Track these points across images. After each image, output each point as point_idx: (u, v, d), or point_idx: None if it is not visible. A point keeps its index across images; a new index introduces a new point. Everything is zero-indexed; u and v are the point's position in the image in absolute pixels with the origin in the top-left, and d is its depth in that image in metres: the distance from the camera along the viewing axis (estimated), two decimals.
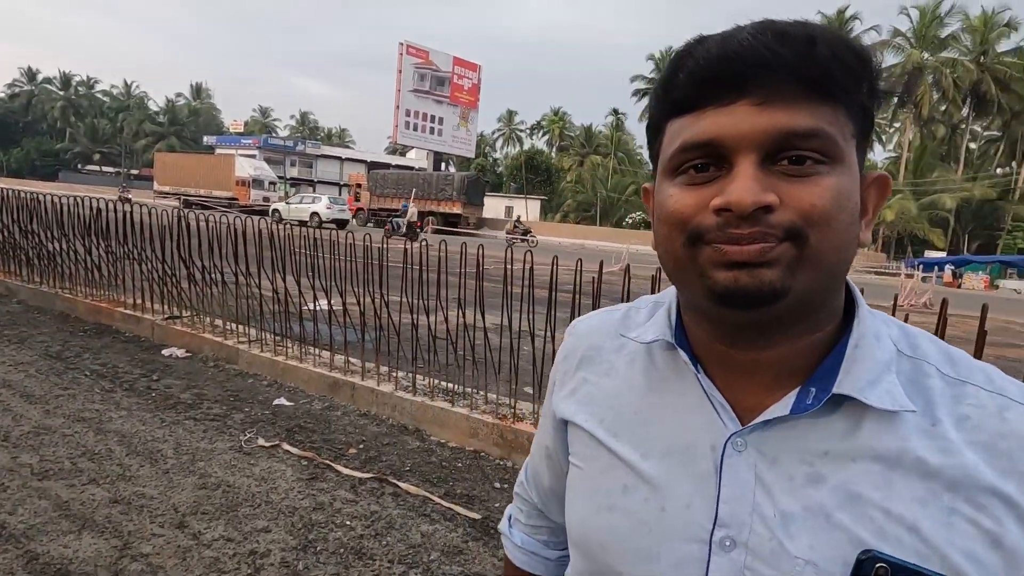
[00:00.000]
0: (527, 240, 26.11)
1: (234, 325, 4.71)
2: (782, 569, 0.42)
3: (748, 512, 0.44)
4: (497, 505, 2.70)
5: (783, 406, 0.44)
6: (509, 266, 3.32)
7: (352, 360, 4.06)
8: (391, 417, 3.61)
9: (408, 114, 39.42)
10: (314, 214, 23.44)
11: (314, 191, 51.39)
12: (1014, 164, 38.32)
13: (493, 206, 40.60)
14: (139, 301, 5.28)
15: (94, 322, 5.36)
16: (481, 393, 3.57)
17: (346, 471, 2.89)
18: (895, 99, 37.07)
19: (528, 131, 66.06)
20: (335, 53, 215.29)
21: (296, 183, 50.52)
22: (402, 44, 39.45)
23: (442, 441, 3.36)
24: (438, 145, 41.97)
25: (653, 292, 2.85)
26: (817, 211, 0.40)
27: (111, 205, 5.49)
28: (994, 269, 28.86)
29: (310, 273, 4.18)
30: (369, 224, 32.41)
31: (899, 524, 0.41)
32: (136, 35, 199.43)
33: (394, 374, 3.88)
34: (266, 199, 35.50)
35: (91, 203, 5.54)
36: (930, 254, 33.25)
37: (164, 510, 2.45)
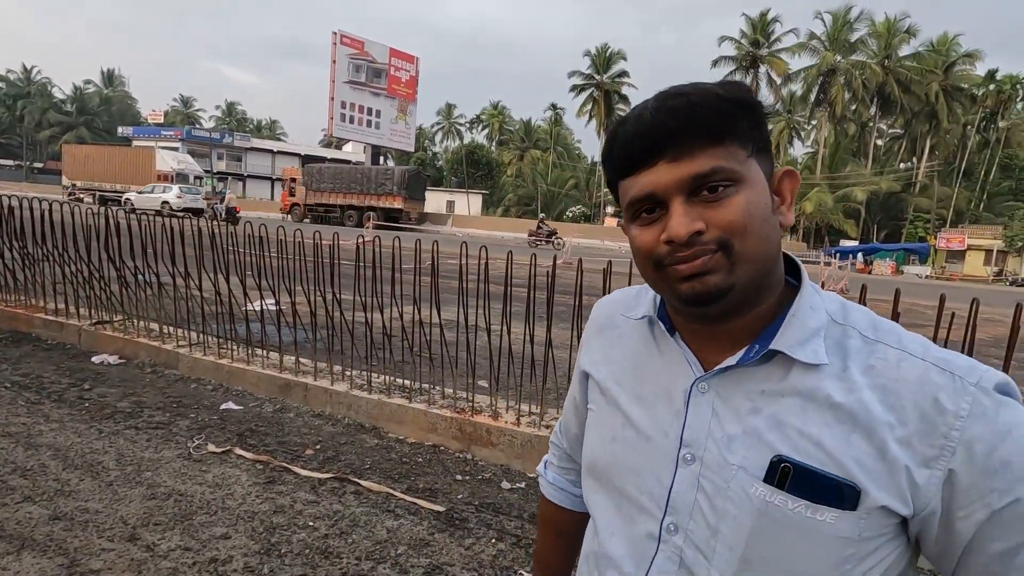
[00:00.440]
0: (553, 243, 23.74)
1: (172, 328, 4.49)
2: (722, 474, 0.58)
3: (705, 436, 0.60)
4: (460, 496, 2.76)
5: (734, 359, 0.60)
6: (463, 261, 3.36)
7: (303, 360, 3.98)
8: (347, 416, 3.58)
9: (344, 106, 38.26)
10: (165, 203, 24.29)
11: (244, 186, 49.01)
12: (915, 160, 41.96)
13: (434, 201, 40.18)
14: (62, 306, 4.93)
15: (9, 329, 4.95)
16: (438, 388, 3.59)
17: (304, 472, 2.85)
18: (812, 98, 39.63)
19: (468, 125, 65.72)
20: (262, 41, 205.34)
21: (224, 177, 47.98)
22: (335, 33, 38.17)
23: (400, 437, 3.37)
24: (376, 138, 41.02)
25: (604, 286, 2.98)
26: (734, 225, 0.55)
27: (25, 203, 5.07)
28: (899, 256, 31.59)
29: (253, 272, 4.04)
30: (305, 220, 31.30)
31: (808, 440, 0.55)
32: (33, 15, 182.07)
33: (348, 373, 3.83)
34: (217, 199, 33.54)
35: (6, 202, 5.10)
36: (844, 243, 35.91)
37: (112, 524, 2.34)
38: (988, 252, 30.99)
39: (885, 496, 0.53)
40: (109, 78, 72.12)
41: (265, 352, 4.15)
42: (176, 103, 73.66)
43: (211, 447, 3.06)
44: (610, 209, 55.26)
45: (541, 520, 0.91)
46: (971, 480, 0.52)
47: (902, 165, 43.42)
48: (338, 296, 3.74)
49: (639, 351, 0.68)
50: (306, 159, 47.67)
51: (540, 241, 24.14)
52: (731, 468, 0.57)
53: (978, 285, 24.79)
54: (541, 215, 31.43)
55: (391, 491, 2.74)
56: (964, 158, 38.64)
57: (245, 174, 50.08)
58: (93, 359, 4.33)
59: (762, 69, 39.39)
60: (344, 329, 3.76)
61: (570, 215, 49.41)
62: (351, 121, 38.99)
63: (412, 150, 47.43)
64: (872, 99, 39.64)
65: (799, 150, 54.70)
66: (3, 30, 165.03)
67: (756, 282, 0.57)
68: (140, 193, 27.36)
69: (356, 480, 2.81)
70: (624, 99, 48.07)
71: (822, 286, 3.63)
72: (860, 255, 29.63)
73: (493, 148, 60.05)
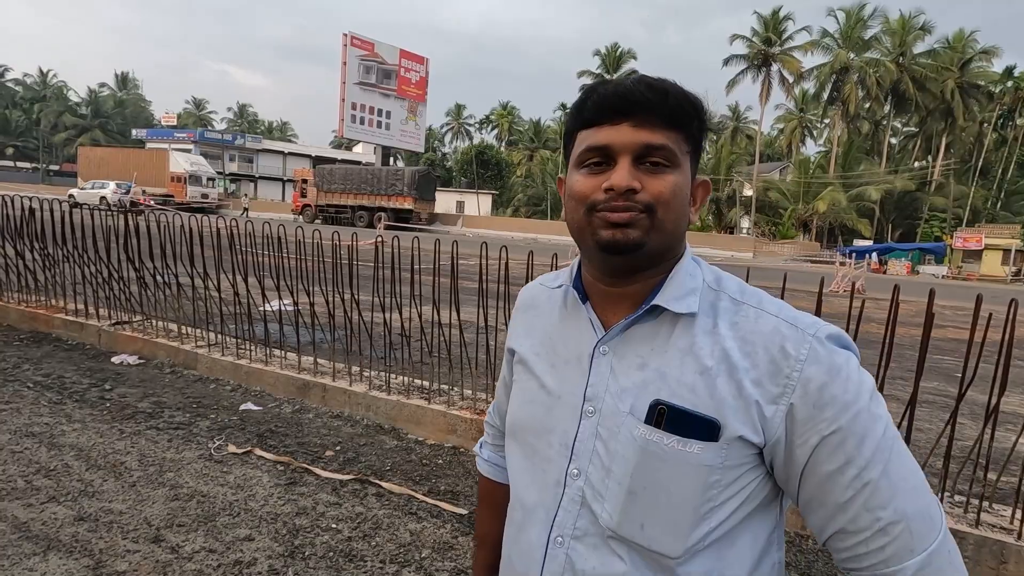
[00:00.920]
0: None
1: (190, 329, 4.51)
2: (615, 421, 0.67)
3: (603, 391, 0.69)
4: None
5: (626, 319, 0.69)
6: (484, 262, 3.33)
7: (321, 361, 3.97)
8: (365, 417, 3.56)
9: (354, 107, 38.41)
10: (102, 198, 25.75)
11: (255, 187, 49.36)
12: (930, 158, 41.37)
13: (444, 201, 40.23)
14: (81, 307, 4.96)
15: (30, 330, 4.99)
16: (457, 389, 3.57)
17: (325, 474, 2.84)
18: (825, 97, 39.20)
19: (477, 125, 65.77)
20: (273, 44, 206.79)
21: (236, 178, 48.37)
22: (346, 35, 38.34)
23: (420, 439, 3.35)
24: (386, 139, 41.15)
25: None
26: (663, 196, 0.64)
27: (44, 204, 5.12)
28: (915, 256, 31.12)
29: (271, 273, 4.05)
30: (317, 221, 31.46)
31: (683, 386, 0.65)
32: (51, 21, 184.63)
33: (366, 374, 3.82)
34: (204, 196, 33.87)
35: (23, 203, 5.15)
36: (858, 242, 35.48)
37: (136, 525, 2.34)
38: (1006, 252, 30.46)
39: (741, 427, 0.62)
40: (123, 81, 72.98)
41: (283, 353, 4.15)
42: (189, 105, 74.41)
43: (232, 448, 3.06)
44: None
45: (480, 497, 0.98)
46: (806, 412, 0.61)
47: (917, 164, 42.81)
48: (356, 297, 3.72)
49: (555, 323, 0.77)
50: (317, 160, 47.93)
51: None
52: (621, 415, 0.66)
53: (996, 285, 24.37)
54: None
55: (413, 493, 2.72)
56: (981, 156, 38.02)
57: (257, 175, 50.42)
58: (113, 359, 4.35)
59: (774, 67, 39.02)
60: (362, 330, 3.75)
61: None
62: (361, 122, 39.14)
63: (422, 151, 47.54)
64: (886, 97, 39.13)
65: (811, 149, 54.27)
66: (21, 35, 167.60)
67: (662, 249, 0.67)
68: (82, 189, 29.83)
69: (377, 482, 2.79)
70: None
71: (837, 286, 3.59)
72: (875, 254, 29.25)
73: (502, 148, 60.03)
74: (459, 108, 65.62)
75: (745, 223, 42.24)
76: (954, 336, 7.76)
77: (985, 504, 2.49)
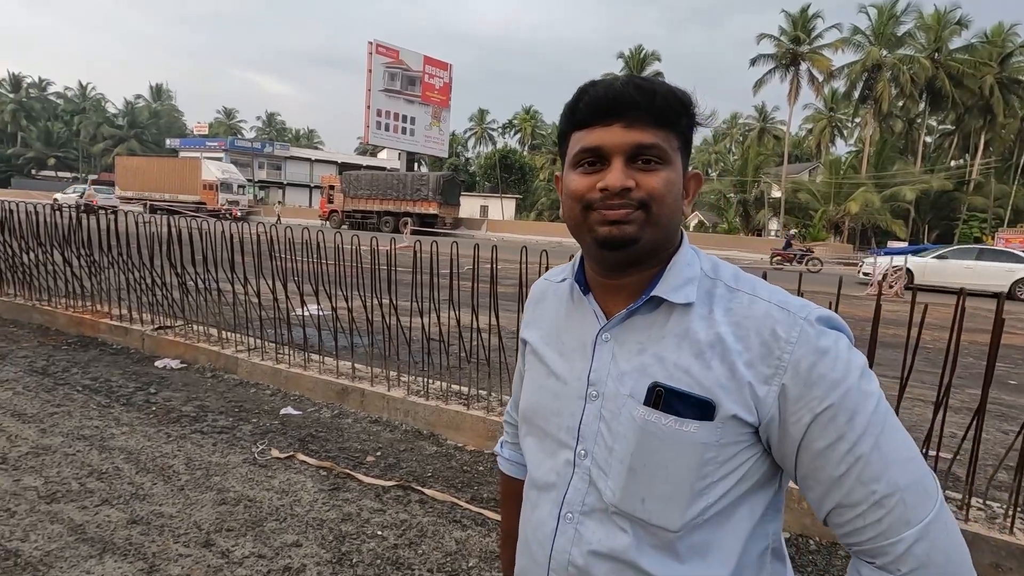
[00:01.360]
0: (807, 264, 19.02)
1: (230, 334, 4.58)
2: (616, 404, 0.71)
3: (605, 375, 0.72)
4: None
5: (627, 309, 0.73)
6: (523, 267, 3.30)
7: (358, 366, 3.98)
8: (404, 423, 3.56)
9: (379, 114, 38.89)
10: (99, 202, 28.67)
11: (283, 193, 50.35)
12: (967, 156, 40.00)
13: (468, 206, 40.41)
14: (125, 312, 5.09)
15: (77, 335, 5.14)
16: (495, 394, 3.54)
17: (368, 480, 2.83)
18: (857, 95, 38.27)
19: (500, 130, 65.98)
20: (299, 53, 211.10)
21: (265, 185, 49.41)
22: (371, 43, 38.88)
23: (459, 445, 3.33)
24: (410, 145, 41.55)
25: None
26: (656, 192, 0.67)
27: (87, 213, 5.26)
28: None
29: (310, 279, 4.08)
30: (343, 226, 31.90)
31: (680, 369, 0.68)
32: (90, 36, 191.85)
33: (403, 379, 3.82)
34: (235, 203, 34.66)
35: (72, 212, 5.31)
36: (893, 244, 34.44)
37: (186, 528, 2.36)
38: None
39: (735, 407, 0.65)
40: (157, 92, 75.34)
41: (320, 357, 4.18)
42: (220, 115, 76.38)
43: (275, 452, 3.08)
44: None
45: (502, 496, 1.03)
46: (798, 391, 0.64)
47: (953, 163, 41.43)
48: (394, 302, 3.73)
49: (561, 313, 0.81)
50: (343, 167, 48.64)
51: (790, 262, 19.11)
52: (622, 397, 0.70)
53: None
54: (791, 230, 24.24)
55: (456, 501, 2.69)
56: (1022, 154, 36.61)
57: (284, 182, 51.43)
58: (156, 363, 4.45)
59: (803, 66, 38.25)
60: (399, 334, 3.75)
61: None
62: (386, 128, 39.61)
63: (446, 156, 47.86)
64: (921, 94, 37.97)
65: (842, 149, 53.00)
66: (62, 51, 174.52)
67: (658, 243, 0.70)
68: (64, 194, 33.72)
69: (420, 489, 2.78)
70: None
71: (878, 289, 3.47)
72: (910, 256, 28.31)
73: (525, 152, 60.06)
74: (482, 113, 65.96)
75: (773, 225, 41.41)
76: (1008, 342, 7.44)
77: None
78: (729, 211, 41.69)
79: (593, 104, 0.69)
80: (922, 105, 39.32)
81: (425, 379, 3.69)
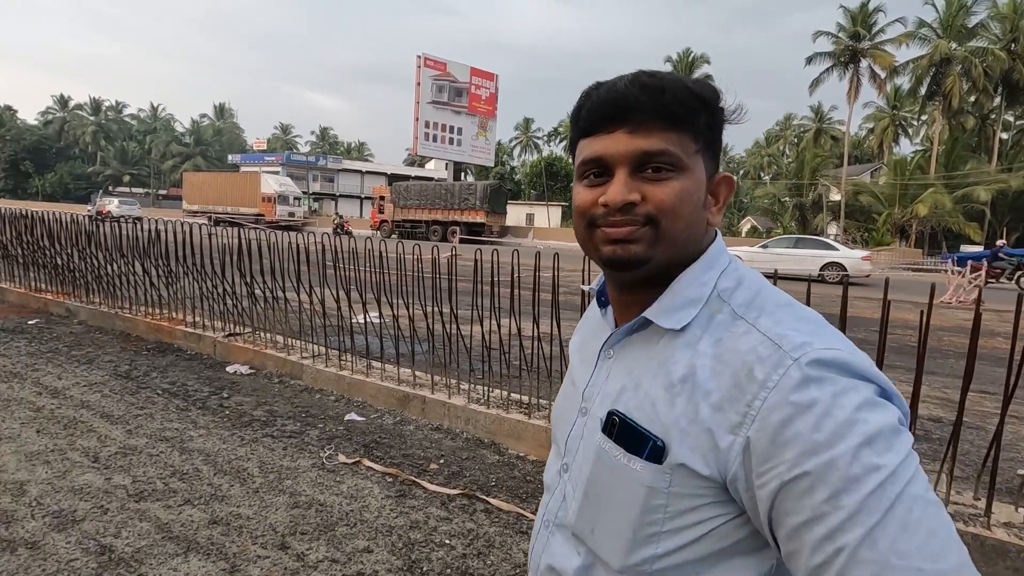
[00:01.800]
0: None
1: (294, 340, 4.73)
2: (591, 424, 0.68)
3: (596, 392, 0.69)
4: None
5: (625, 327, 0.67)
6: (556, 272, 3.25)
7: (418, 374, 4.03)
8: (465, 431, 3.57)
9: (427, 125, 39.72)
10: (109, 211, 32.19)
11: (335, 204, 52.12)
12: None
13: (514, 214, 40.62)
14: (198, 319, 5.35)
15: (155, 340, 5.44)
16: None
17: (433, 487, 2.85)
18: (923, 92, 36.22)
19: (545, 138, 66.16)
20: (350, 69, 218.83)
21: (319, 197, 51.26)
22: (420, 57, 39.83)
23: (521, 454, 3.31)
24: (457, 155, 42.20)
25: None
26: (666, 205, 0.60)
27: (169, 225, 5.58)
28: None
29: (373, 288, 4.17)
30: (393, 236, 32.66)
31: (648, 400, 0.61)
32: (161, 60, 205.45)
33: (463, 387, 3.83)
34: (291, 214, 36.10)
35: (150, 226, 5.64)
36: (966, 248, 32.25)
37: (263, 531, 2.43)
38: None
39: (686, 454, 0.57)
40: (220, 111, 79.71)
41: (382, 365, 4.25)
42: (277, 130, 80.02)
43: (342, 457, 3.14)
44: None
45: None
46: (765, 449, 0.52)
47: None
48: (455, 310, 3.76)
49: (592, 324, 0.79)
50: (392, 178, 49.91)
51: (996, 279, 15.78)
52: (595, 419, 0.67)
53: None
54: (999, 241, 19.48)
55: (521, 511, 2.67)
56: None
57: (337, 193, 53.21)
58: (227, 368, 4.65)
59: (863, 63, 36.56)
60: (459, 342, 3.77)
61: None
62: (434, 139, 40.40)
63: (492, 165, 48.33)
64: (996, 88, 35.57)
65: (906, 148, 50.26)
66: (137, 74, 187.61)
67: (673, 261, 0.62)
68: (95, 204, 36.80)
69: (485, 498, 2.77)
70: None
71: (952, 297, 3.22)
72: (985, 261, 26.42)
73: (571, 159, 59.78)
74: (527, 122, 66.33)
75: (832, 229, 39.62)
76: None
77: None
78: (784, 216, 40.22)
79: (595, 109, 0.63)
80: (997, 100, 36.81)
81: (485, 387, 3.69)
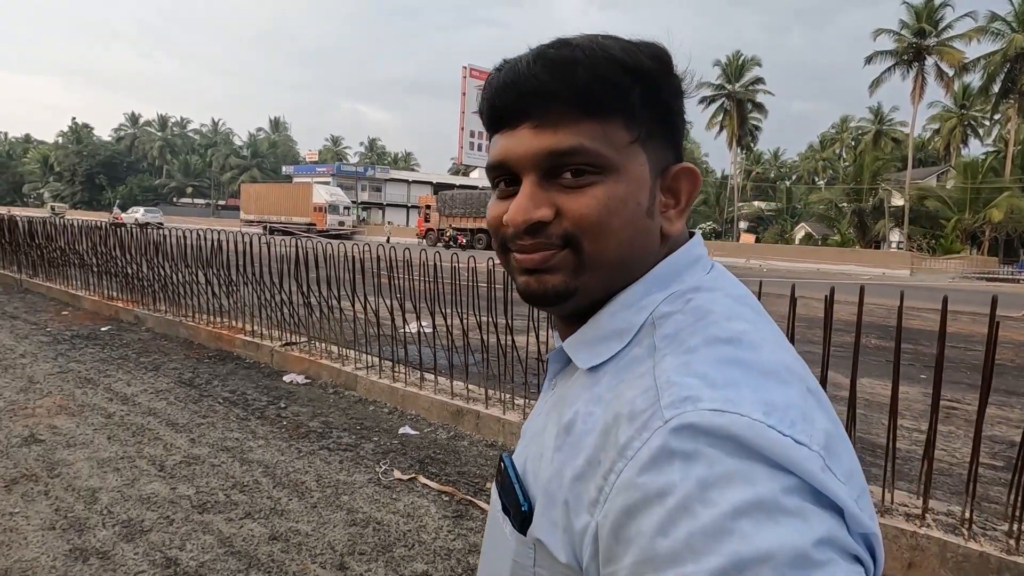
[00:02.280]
0: None
1: (348, 351, 4.77)
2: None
3: (527, 429, 0.56)
4: None
5: (550, 359, 0.56)
6: None
7: (471, 387, 3.97)
8: None
9: (472, 135, 40.24)
10: (135, 219, 34.50)
11: (383, 213, 53.36)
12: None
13: None
14: (256, 328, 5.48)
15: (216, 348, 5.61)
16: None
17: None
18: (996, 89, 33.97)
19: None
20: (397, 81, 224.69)
21: (367, 207, 52.59)
22: (465, 68, 40.44)
23: None
24: None
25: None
26: (587, 220, 0.45)
27: (229, 236, 5.76)
28: None
29: (428, 298, 4.15)
30: (439, 245, 33.09)
31: (541, 450, 0.49)
32: (222, 77, 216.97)
33: (518, 401, 3.74)
34: (341, 223, 37.16)
35: (214, 237, 5.84)
36: None
37: (322, 549, 2.40)
38: None
39: (545, 528, 0.45)
40: (275, 125, 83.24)
41: (435, 377, 4.22)
42: (328, 142, 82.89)
43: (397, 473, 3.10)
44: (744, 224, 51.73)
45: None
46: (608, 544, 0.38)
47: None
48: (509, 322, 3.68)
49: None
50: (438, 187, 50.67)
51: None
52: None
53: None
54: None
55: None
56: None
57: (384, 203, 54.45)
58: (284, 378, 4.72)
59: (929, 61, 34.64)
60: (513, 355, 3.69)
61: (700, 231, 46.84)
62: (479, 148, 40.86)
63: None
64: None
65: (975, 149, 47.24)
66: (200, 91, 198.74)
67: (609, 289, 0.48)
68: (126, 213, 41.00)
69: None
70: (759, 107, 45.04)
71: None
72: None
73: None
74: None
75: (895, 236, 37.59)
76: None
77: None
78: (842, 222, 38.42)
79: (492, 100, 0.48)
80: None
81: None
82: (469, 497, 2.87)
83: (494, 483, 0.55)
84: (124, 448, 3.28)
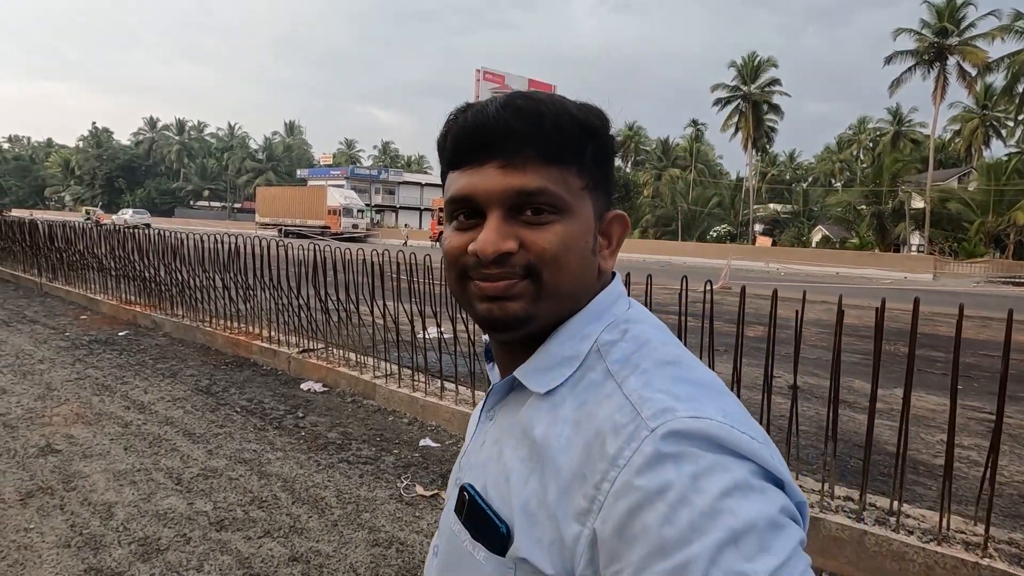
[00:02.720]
0: None
1: (367, 358, 4.67)
2: (450, 502, 0.59)
3: (469, 463, 0.59)
4: None
5: (492, 389, 0.60)
6: (685, 296, 2.98)
7: None
8: None
9: None
10: (124, 220, 35.99)
11: (396, 216, 53.56)
12: None
13: None
14: (274, 334, 5.42)
15: (233, 355, 5.55)
16: None
17: None
18: (1021, 89, 33.24)
19: None
20: (409, 85, 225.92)
21: (381, 209, 52.82)
22: (478, 71, 40.42)
23: None
24: None
25: (771, 314, 2.40)
26: (548, 253, 0.51)
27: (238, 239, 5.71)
28: None
29: (448, 304, 4.05)
30: None
31: (503, 474, 0.52)
32: (238, 82, 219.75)
33: None
34: (355, 226, 37.31)
35: (231, 241, 5.80)
36: None
37: (344, 570, 2.29)
38: None
39: (530, 547, 0.47)
40: (290, 128, 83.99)
41: (455, 386, 4.11)
42: (342, 145, 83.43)
43: (419, 489, 2.99)
44: (759, 227, 51.12)
45: None
46: (611, 547, 0.42)
47: None
48: None
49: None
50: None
51: None
52: (453, 496, 0.58)
53: None
54: None
55: None
56: None
57: (398, 206, 54.68)
58: (301, 386, 4.64)
59: (951, 61, 33.98)
60: None
61: (714, 234, 46.56)
62: None
63: None
64: None
65: (998, 150, 46.30)
66: (217, 96, 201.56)
67: (559, 316, 0.54)
68: (115, 215, 42.38)
69: None
70: (775, 108, 44.54)
71: None
72: None
73: (628, 169, 58.99)
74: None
75: (915, 239, 36.88)
76: None
77: None
78: (861, 225, 37.79)
79: (460, 137, 0.53)
80: None
81: None
82: None
83: (447, 515, 0.57)
84: (141, 459, 3.21)
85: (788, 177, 63.68)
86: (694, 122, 56.12)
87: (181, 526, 2.56)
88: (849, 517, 2.46)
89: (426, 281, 4.11)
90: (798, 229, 47.84)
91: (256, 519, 2.65)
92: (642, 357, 0.50)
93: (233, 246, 5.73)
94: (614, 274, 0.59)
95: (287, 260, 5.20)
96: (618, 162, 60.54)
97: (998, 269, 26.53)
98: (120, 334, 6.31)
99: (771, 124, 45.38)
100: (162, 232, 6.89)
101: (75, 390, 4.36)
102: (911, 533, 2.35)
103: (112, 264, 7.66)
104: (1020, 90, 33.81)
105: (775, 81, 43.86)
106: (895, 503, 2.50)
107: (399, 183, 55.53)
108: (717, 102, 44.46)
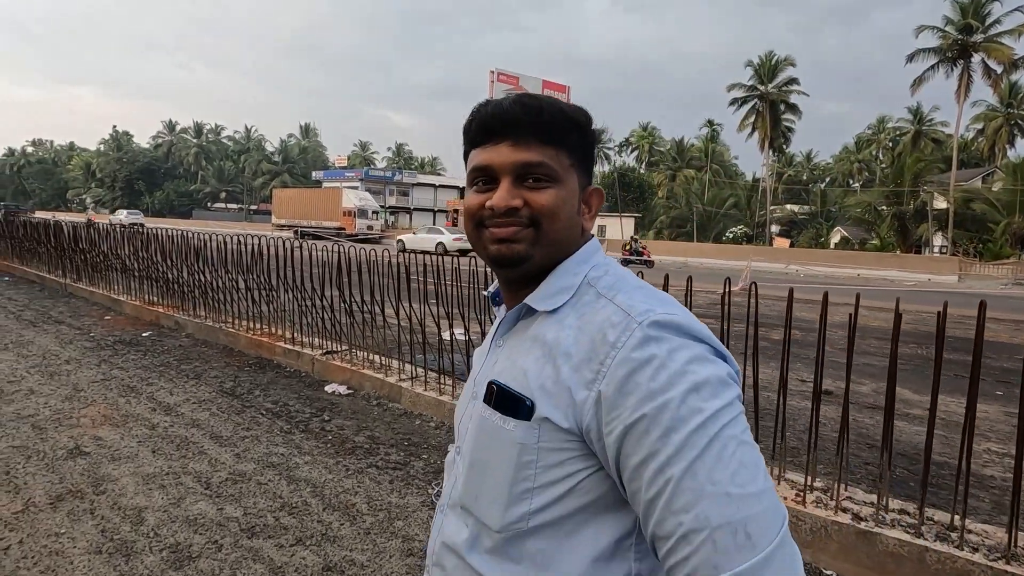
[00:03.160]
0: None
1: (392, 361, 4.61)
2: (476, 403, 0.75)
3: (485, 376, 0.75)
4: None
5: (507, 316, 0.77)
6: (729, 303, 2.87)
7: None
8: None
9: None
10: (120, 221, 36.23)
11: (410, 218, 53.73)
12: None
13: None
14: (297, 335, 5.38)
15: (256, 356, 5.53)
16: None
17: None
18: None
19: (617, 148, 65.20)
20: (423, 87, 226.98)
21: (395, 211, 53.01)
22: (492, 72, 40.32)
23: None
24: None
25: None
26: (545, 208, 0.70)
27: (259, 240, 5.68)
28: None
29: (476, 306, 3.97)
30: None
31: (520, 370, 0.69)
32: (254, 86, 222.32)
33: None
34: (370, 227, 37.45)
35: (254, 242, 5.77)
36: None
37: None
38: None
39: (549, 409, 0.64)
40: (306, 131, 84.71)
41: None
42: (356, 147, 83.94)
43: None
44: (775, 228, 50.42)
45: None
46: (612, 399, 0.60)
47: None
48: None
49: (492, 327, 0.83)
50: (464, 191, 50.77)
51: None
52: (479, 397, 0.74)
53: None
54: None
55: None
56: None
57: (412, 207, 54.81)
58: (326, 388, 4.59)
59: (975, 58, 33.27)
60: None
61: (730, 235, 46.02)
62: None
63: None
64: None
65: (1023, 149, 45.16)
66: (234, 99, 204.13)
67: (551, 259, 0.72)
68: (115, 216, 43.15)
69: None
70: (793, 108, 43.97)
71: None
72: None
73: (642, 170, 58.61)
74: (599, 133, 65.70)
75: (938, 240, 36.13)
76: None
77: None
78: (881, 225, 37.10)
79: (483, 124, 0.72)
80: None
81: None
82: None
83: (480, 408, 0.72)
84: (169, 463, 3.17)
85: (805, 177, 62.81)
86: (710, 122, 55.59)
87: (212, 532, 2.51)
88: (907, 532, 2.33)
89: (456, 284, 4.03)
90: (816, 230, 47.12)
91: (287, 526, 2.59)
92: (623, 284, 0.70)
93: (256, 248, 5.71)
94: (592, 235, 0.77)
95: (310, 261, 5.16)
96: (632, 163, 60.26)
97: None
98: (144, 335, 6.33)
99: (788, 124, 44.80)
100: (185, 233, 6.90)
101: (102, 391, 4.35)
102: (976, 550, 2.22)
103: (135, 265, 7.70)
104: None
105: (793, 80, 43.31)
106: (955, 518, 2.37)
107: (413, 184, 55.66)
108: (733, 102, 44.01)
